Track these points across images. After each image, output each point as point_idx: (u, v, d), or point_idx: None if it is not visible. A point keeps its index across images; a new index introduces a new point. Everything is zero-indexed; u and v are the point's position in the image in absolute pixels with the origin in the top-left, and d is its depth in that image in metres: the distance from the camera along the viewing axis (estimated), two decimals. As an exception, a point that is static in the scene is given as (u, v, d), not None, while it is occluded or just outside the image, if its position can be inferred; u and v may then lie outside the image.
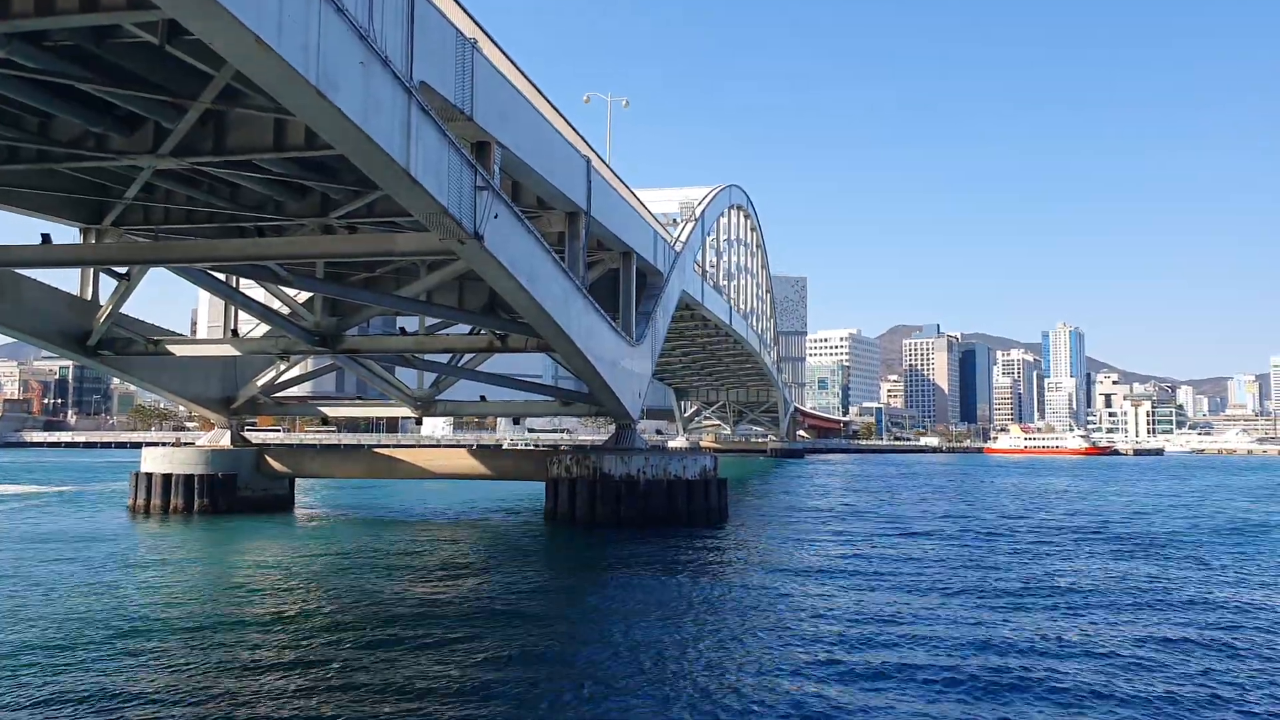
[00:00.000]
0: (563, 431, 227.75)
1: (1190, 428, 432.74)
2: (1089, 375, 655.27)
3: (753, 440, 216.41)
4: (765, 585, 29.99)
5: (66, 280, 45.86)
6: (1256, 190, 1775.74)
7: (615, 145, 75.00)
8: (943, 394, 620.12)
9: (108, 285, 44.59)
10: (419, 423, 69.94)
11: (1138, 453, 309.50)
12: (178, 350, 48.09)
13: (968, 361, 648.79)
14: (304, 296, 49.24)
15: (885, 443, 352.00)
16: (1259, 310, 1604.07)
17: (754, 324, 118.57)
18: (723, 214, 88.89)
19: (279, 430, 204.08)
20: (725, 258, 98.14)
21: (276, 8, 19.41)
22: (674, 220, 72.56)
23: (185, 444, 59.01)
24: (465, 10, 31.71)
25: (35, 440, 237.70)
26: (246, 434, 57.88)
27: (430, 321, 53.25)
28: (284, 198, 37.87)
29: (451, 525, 48.60)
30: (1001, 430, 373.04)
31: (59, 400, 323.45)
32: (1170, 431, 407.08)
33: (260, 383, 54.59)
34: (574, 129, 42.77)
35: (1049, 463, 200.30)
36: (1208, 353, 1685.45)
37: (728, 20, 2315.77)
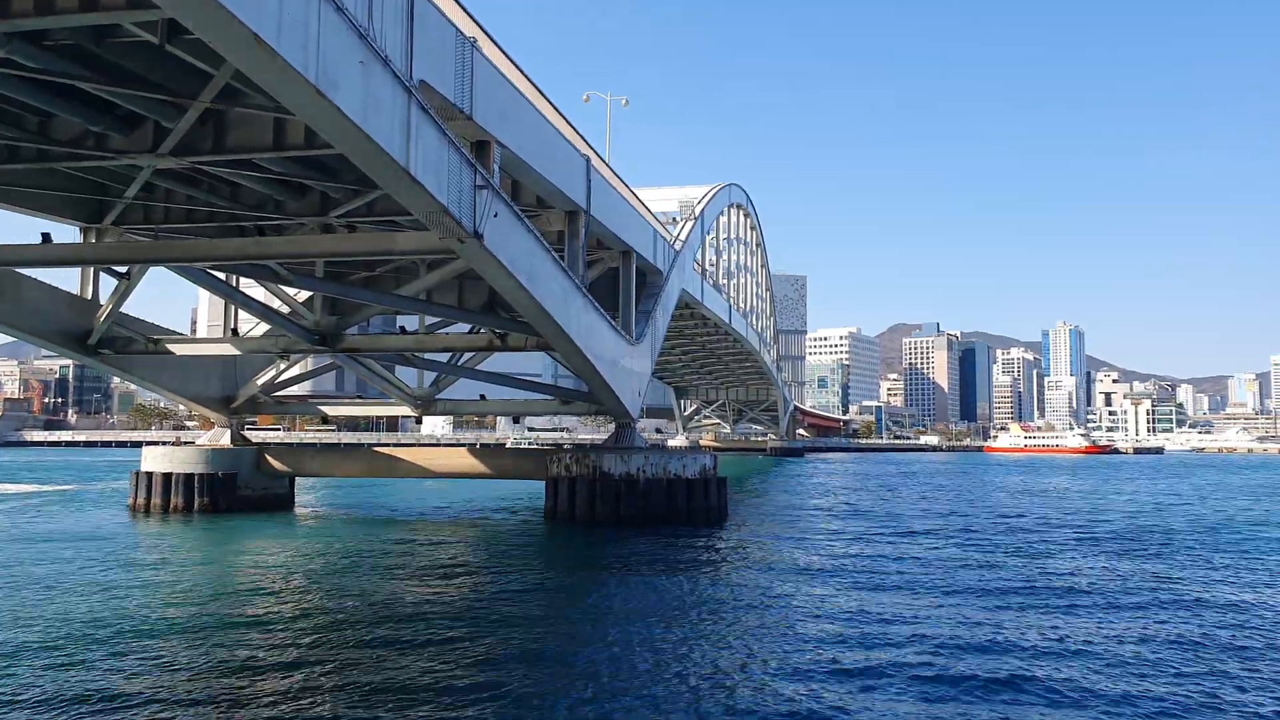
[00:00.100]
0: (562, 430, 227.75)
1: (1190, 426, 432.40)
2: (1089, 374, 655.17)
3: (752, 439, 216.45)
4: (765, 585, 30.02)
5: (67, 279, 45.91)
6: (1256, 189, 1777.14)
7: (615, 144, 75.03)
8: (942, 393, 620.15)
9: (108, 284, 44.68)
10: (419, 422, 70.00)
11: (1138, 451, 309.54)
12: (178, 349, 48.12)
13: (967, 360, 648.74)
14: (304, 295, 49.29)
15: (885, 441, 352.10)
16: (1259, 309, 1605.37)
17: (754, 323, 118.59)
18: (722, 213, 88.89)
19: (279, 429, 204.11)
20: (725, 256, 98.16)
21: (276, 7, 19.42)
22: (673, 219, 72.55)
23: (185, 443, 59.06)
24: (465, 9, 31.72)
25: (35, 439, 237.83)
26: (246, 433, 57.92)
27: (430, 320, 53.30)
28: (284, 197, 37.89)
29: (451, 524, 48.64)
30: (1001, 429, 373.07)
31: (59, 399, 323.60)
32: (1170, 430, 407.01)
33: (260, 382, 54.62)
34: (573, 128, 42.78)
35: (1049, 461, 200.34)
36: (1208, 351, 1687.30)
37: (727, 19, 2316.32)
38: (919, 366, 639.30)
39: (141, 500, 51.28)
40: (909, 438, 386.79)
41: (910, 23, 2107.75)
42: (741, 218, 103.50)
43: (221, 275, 46.03)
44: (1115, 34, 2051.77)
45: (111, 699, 16.78)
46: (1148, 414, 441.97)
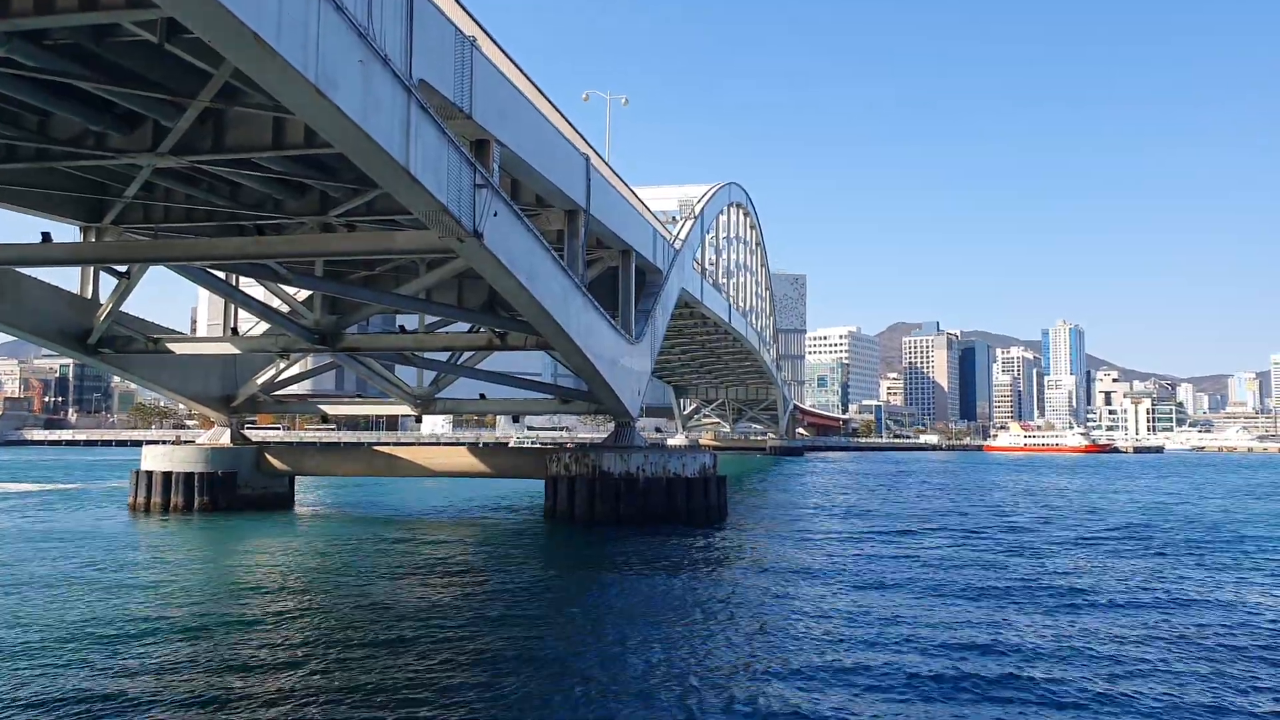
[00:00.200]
0: (562, 429, 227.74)
1: (1190, 425, 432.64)
2: (1089, 373, 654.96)
3: (752, 438, 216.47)
4: (764, 584, 30.04)
5: (66, 279, 45.92)
6: (1256, 188, 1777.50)
7: (614, 143, 75.05)
8: (942, 392, 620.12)
9: (108, 283, 44.67)
10: (418, 421, 69.96)
11: (1137, 450, 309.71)
12: (178, 348, 48.12)
13: (967, 359, 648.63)
14: (303, 295, 49.30)
15: (885, 440, 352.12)
16: (1259, 308, 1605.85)
17: (753, 322, 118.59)
18: (722, 212, 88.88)
19: (279, 428, 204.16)
20: (724, 255, 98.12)
21: (275, 6, 19.43)
22: (673, 218, 72.53)
23: (185, 442, 59.09)
24: (464, 8, 31.72)
25: (36, 438, 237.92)
26: (246, 432, 57.94)
27: (430, 319, 53.31)
28: (283, 196, 37.90)
29: (451, 523, 48.67)
30: (1001, 428, 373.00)
31: (59, 398, 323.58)
32: (1170, 429, 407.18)
33: (260, 381, 54.63)
34: (573, 127, 42.78)
35: (1049, 460, 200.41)
36: (1208, 350, 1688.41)
37: (726, 18, 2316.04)
38: (919, 365, 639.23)
39: (141, 499, 51.28)
40: (909, 437, 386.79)
41: (910, 21, 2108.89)
42: (741, 216, 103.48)
43: (221, 274, 46.04)
44: (1114, 32, 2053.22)
45: (111, 698, 16.79)
46: (1148, 413, 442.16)
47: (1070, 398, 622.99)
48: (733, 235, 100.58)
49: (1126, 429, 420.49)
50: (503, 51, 35.00)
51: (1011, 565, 35.01)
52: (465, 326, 50.91)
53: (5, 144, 31.58)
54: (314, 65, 20.87)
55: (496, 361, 56.57)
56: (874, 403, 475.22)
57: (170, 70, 26.92)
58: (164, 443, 60.46)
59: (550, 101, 39.73)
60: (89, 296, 45.14)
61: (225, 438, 54.02)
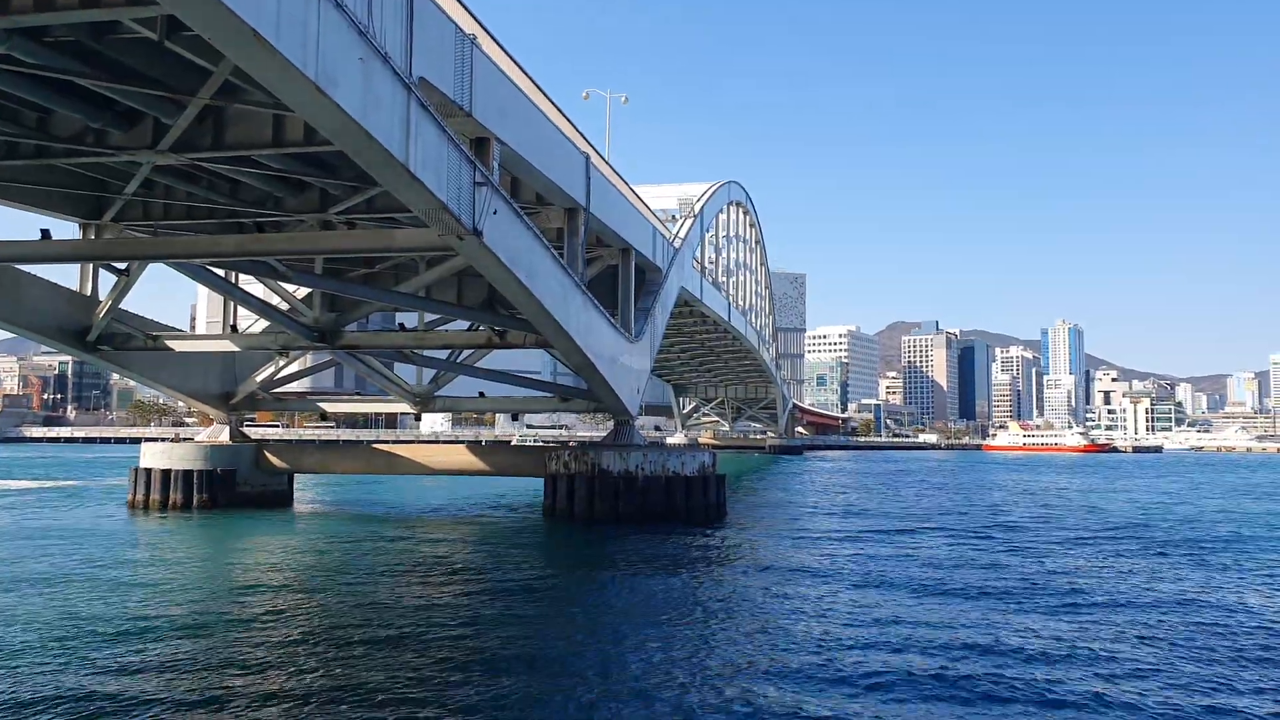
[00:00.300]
0: (561, 428, 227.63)
1: (1189, 425, 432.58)
2: (1088, 372, 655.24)
3: (751, 437, 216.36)
4: (763, 584, 30.05)
5: (66, 276, 45.90)
6: (1256, 187, 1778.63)
7: (614, 142, 74.98)
8: (941, 391, 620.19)
9: (107, 281, 44.65)
10: (418, 419, 69.86)
11: (1136, 450, 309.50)
12: (177, 346, 48.12)
13: (966, 358, 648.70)
14: (303, 292, 49.27)
15: (884, 440, 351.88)
16: (1258, 307, 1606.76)
17: (753, 320, 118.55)
18: (721, 210, 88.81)
19: (278, 426, 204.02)
20: (724, 254, 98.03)
21: (275, 4, 19.41)
22: (673, 217, 72.50)
23: (184, 440, 59.10)
24: (464, 6, 31.69)
25: (35, 436, 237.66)
26: (245, 430, 57.93)
27: (429, 317, 53.29)
28: (283, 194, 37.88)
29: (450, 521, 48.67)
30: (1000, 427, 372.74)
31: (58, 395, 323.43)
32: (1169, 429, 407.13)
33: (259, 378, 54.62)
34: (573, 125, 42.77)
35: (1047, 460, 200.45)
36: (1207, 350, 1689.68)
37: (726, 18, 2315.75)
38: (918, 365, 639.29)
39: (140, 497, 51.27)
40: (908, 436, 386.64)
41: (909, 21, 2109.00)
42: (741, 215, 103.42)
43: (221, 272, 46.02)
44: (1114, 32, 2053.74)
45: (110, 697, 16.80)
46: (1147, 413, 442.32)
47: (1069, 397, 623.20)
48: (732, 234, 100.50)
49: (1125, 429, 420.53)
50: (503, 49, 34.98)
51: (1010, 565, 35.02)
52: (465, 324, 50.92)
53: (5, 141, 31.55)
54: (314, 63, 20.86)
55: (496, 360, 56.47)
56: (873, 402, 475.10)
57: (170, 67, 26.90)
58: (163, 440, 60.51)
59: (550, 100, 39.71)
60: (88, 294, 45.12)
61: (224, 435, 54.02)
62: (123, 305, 45.23)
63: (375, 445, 60.26)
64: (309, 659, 19.50)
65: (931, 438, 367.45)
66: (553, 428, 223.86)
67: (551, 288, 37.85)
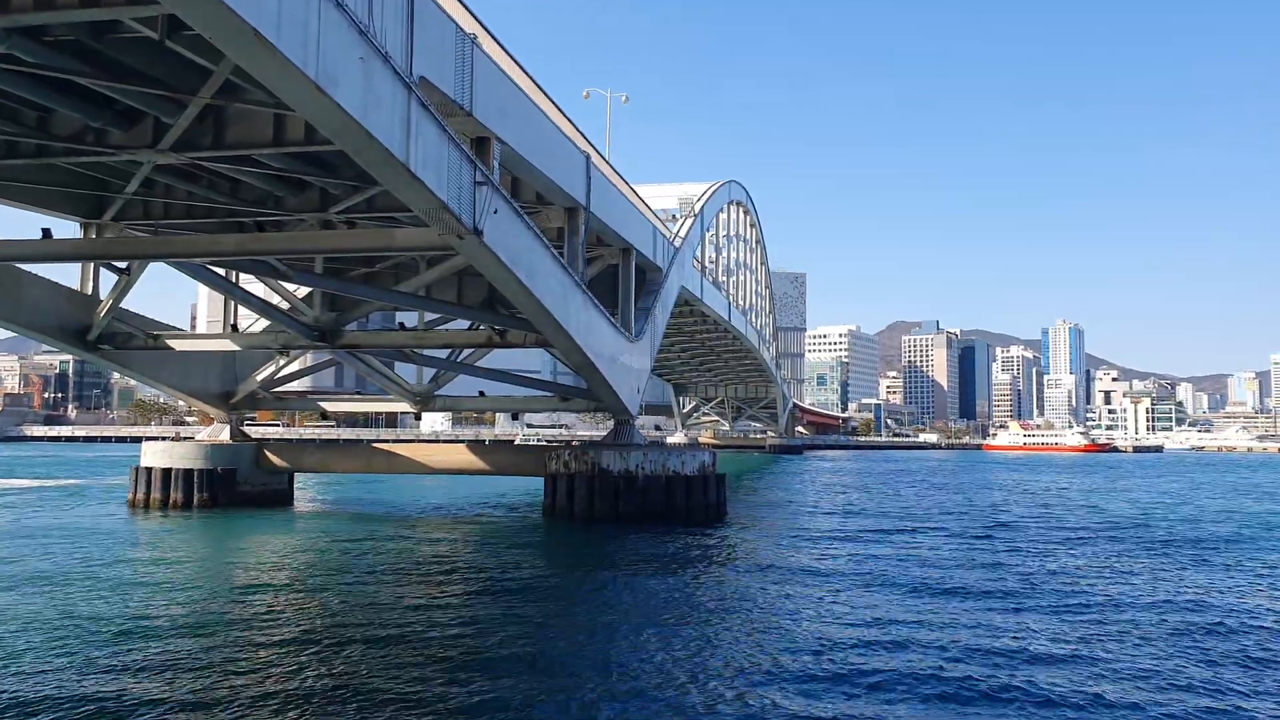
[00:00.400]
0: (561, 427, 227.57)
1: (1190, 425, 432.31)
2: (1088, 372, 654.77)
3: (751, 436, 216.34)
4: (763, 584, 30.06)
5: (67, 275, 45.94)
6: (1256, 187, 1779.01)
7: (614, 141, 75.01)
8: (942, 390, 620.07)
9: (108, 280, 44.66)
10: (418, 418, 69.89)
11: (1137, 450, 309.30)
12: (177, 345, 48.14)
13: (967, 358, 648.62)
14: (303, 291, 49.27)
15: (884, 439, 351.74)
16: (1259, 307, 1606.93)
17: (753, 320, 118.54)
18: (722, 210, 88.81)
19: (278, 425, 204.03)
20: (724, 254, 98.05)
21: (276, 3, 19.43)
22: (673, 216, 72.50)
23: (185, 439, 59.09)
24: (465, 6, 31.70)
25: (35, 434, 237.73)
26: (246, 429, 57.95)
27: (429, 317, 53.31)
28: (283, 193, 37.90)
29: (449, 521, 48.68)
30: (1001, 427, 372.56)
31: (59, 394, 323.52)
32: (1170, 429, 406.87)
33: (259, 378, 54.64)
34: (573, 125, 42.77)
35: (1048, 460, 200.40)
36: (1208, 350, 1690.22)
37: (726, 18, 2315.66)
38: (918, 364, 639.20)
39: (141, 496, 51.29)
40: (908, 435, 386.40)
41: (909, 21, 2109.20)
42: (741, 215, 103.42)
43: (221, 271, 46.04)
44: (1114, 32, 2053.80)
45: (109, 696, 16.82)
46: (1147, 412, 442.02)
47: (1070, 397, 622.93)
48: (733, 233, 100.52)
49: (1126, 428, 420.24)
50: (503, 49, 34.98)
51: (1010, 565, 35.03)
52: (465, 324, 50.92)
53: (6, 140, 31.55)
54: (314, 62, 20.87)
55: (496, 359, 56.48)
56: (873, 401, 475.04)
57: (171, 67, 26.91)
58: (163, 439, 60.49)
59: (550, 99, 39.72)
60: (89, 293, 45.14)
61: (225, 434, 54.05)
62: (123, 304, 45.25)
63: (375, 444, 60.29)
64: (309, 658, 19.51)
65: (932, 437, 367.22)
66: (552, 427, 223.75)
67: (552, 287, 37.86)
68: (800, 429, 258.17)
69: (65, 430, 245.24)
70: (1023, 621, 24.45)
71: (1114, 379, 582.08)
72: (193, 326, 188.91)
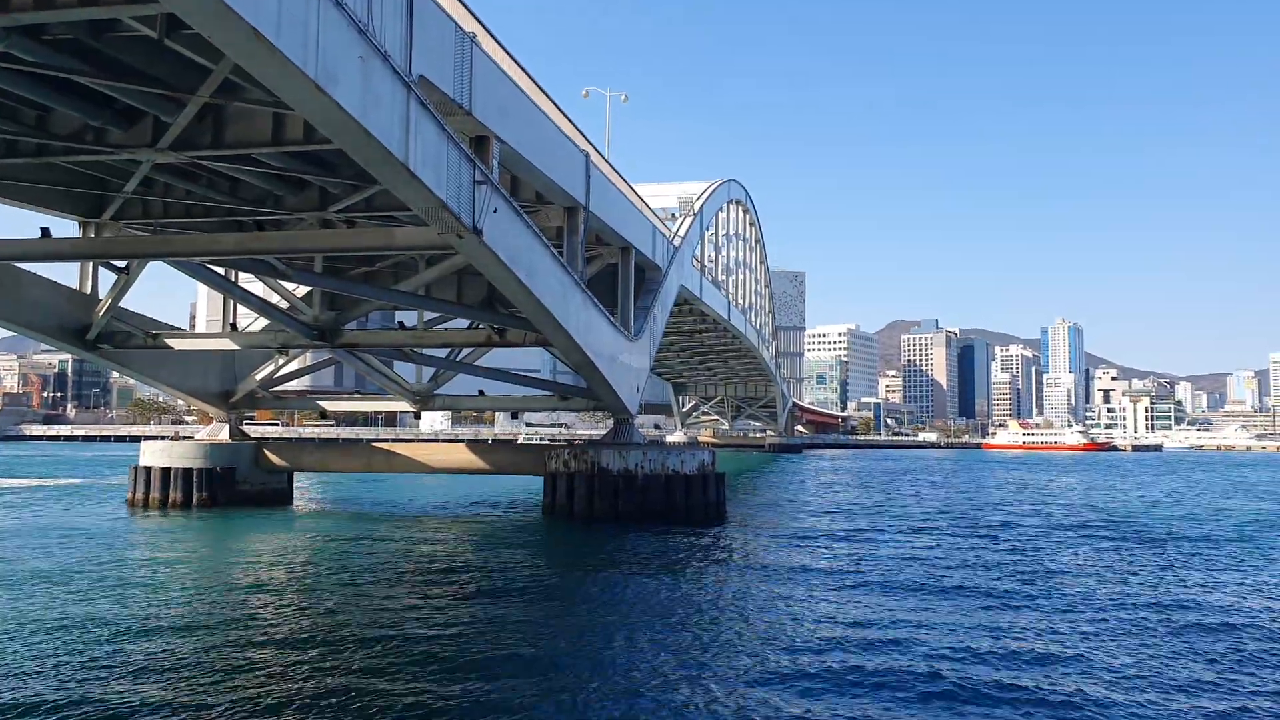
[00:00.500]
0: (560, 426, 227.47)
1: (1189, 424, 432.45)
2: (1088, 371, 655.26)
3: (751, 435, 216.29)
4: (763, 584, 30.05)
5: (66, 274, 45.93)
6: (1255, 186, 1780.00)
7: (614, 141, 74.95)
8: (941, 389, 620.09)
9: (107, 279, 44.65)
10: (417, 417, 69.87)
11: (1136, 449, 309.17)
12: (176, 344, 48.11)
13: (966, 357, 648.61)
14: (302, 291, 49.26)
15: (883, 438, 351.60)
16: (1258, 306, 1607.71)
17: (752, 319, 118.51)
18: (721, 209, 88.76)
19: (277, 424, 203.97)
20: (724, 253, 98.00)
21: (275, 2, 19.41)
22: (672, 215, 72.40)
23: (184, 438, 59.08)
24: (464, 5, 31.66)
25: (34, 434, 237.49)
26: (245, 428, 57.92)
27: (429, 316, 53.30)
28: (283, 192, 37.88)
29: (449, 520, 48.67)
30: (1000, 426, 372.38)
31: (58, 394, 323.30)
32: (1169, 427, 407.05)
33: (259, 377, 54.61)
34: (573, 124, 42.74)
35: (1047, 459, 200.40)
36: (1207, 349, 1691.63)
37: (727, 18, 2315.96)
38: (917, 363, 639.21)
39: (140, 495, 51.26)
40: (907, 434, 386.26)
41: (909, 21, 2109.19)
42: (740, 214, 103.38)
43: (220, 270, 46.01)
44: (1114, 32, 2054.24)
45: (108, 695, 16.81)
46: (1146, 411, 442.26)
47: (1069, 396, 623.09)
48: (732, 232, 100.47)
49: (1125, 427, 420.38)
50: (503, 48, 34.95)
51: (1010, 564, 35.05)
52: (464, 323, 50.89)
53: (5, 139, 31.50)
54: (314, 61, 20.85)
55: (495, 358, 56.45)
56: (873, 400, 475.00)
57: (170, 66, 26.88)
58: (163, 438, 60.47)
59: (550, 98, 39.69)
60: (88, 292, 45.12)
61: (224, 433, 54.02)
62: (122, 303, 45.24)
63: (375, 443, 60.32)
64: (307, 658, 19.50)
65: (931, 436, 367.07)
66: (552, 426, 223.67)
67: (551, 286, 37.84)
68: (800, 428, 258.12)
69: (64, 429, 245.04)
70: (1022, 621, 24.45)
71: (1113, 378, 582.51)
72: (192, 326, 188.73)
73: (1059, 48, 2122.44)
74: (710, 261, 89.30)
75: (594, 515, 45.37)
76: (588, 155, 43.03)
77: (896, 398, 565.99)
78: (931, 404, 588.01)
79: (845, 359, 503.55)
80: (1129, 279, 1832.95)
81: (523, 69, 36.65)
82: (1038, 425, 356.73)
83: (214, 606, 25.05)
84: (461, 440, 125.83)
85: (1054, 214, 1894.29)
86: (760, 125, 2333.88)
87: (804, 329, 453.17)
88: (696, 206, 73.92)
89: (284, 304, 48.23)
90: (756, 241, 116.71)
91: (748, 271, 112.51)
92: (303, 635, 21.55)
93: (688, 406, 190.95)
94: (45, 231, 37.16)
